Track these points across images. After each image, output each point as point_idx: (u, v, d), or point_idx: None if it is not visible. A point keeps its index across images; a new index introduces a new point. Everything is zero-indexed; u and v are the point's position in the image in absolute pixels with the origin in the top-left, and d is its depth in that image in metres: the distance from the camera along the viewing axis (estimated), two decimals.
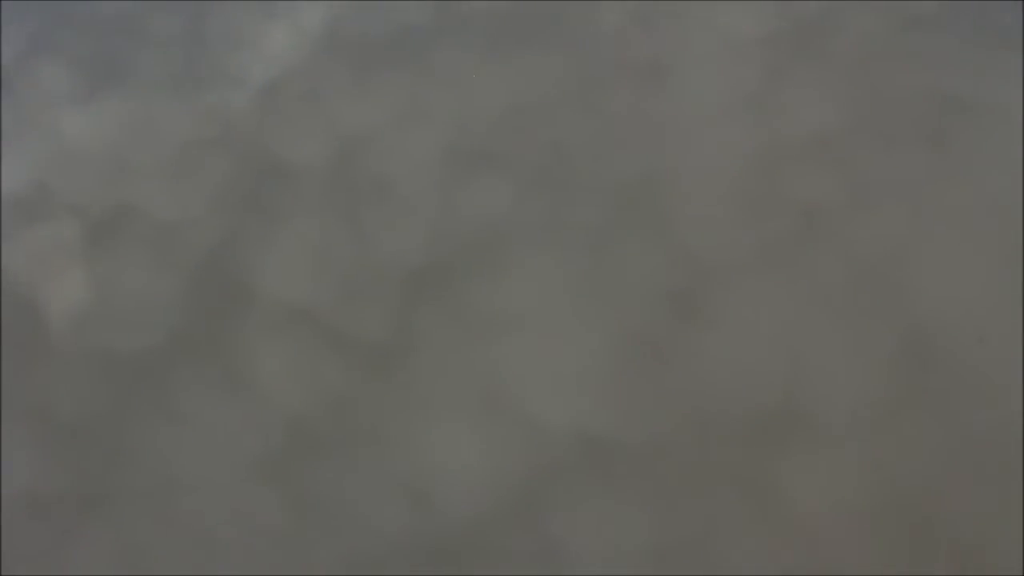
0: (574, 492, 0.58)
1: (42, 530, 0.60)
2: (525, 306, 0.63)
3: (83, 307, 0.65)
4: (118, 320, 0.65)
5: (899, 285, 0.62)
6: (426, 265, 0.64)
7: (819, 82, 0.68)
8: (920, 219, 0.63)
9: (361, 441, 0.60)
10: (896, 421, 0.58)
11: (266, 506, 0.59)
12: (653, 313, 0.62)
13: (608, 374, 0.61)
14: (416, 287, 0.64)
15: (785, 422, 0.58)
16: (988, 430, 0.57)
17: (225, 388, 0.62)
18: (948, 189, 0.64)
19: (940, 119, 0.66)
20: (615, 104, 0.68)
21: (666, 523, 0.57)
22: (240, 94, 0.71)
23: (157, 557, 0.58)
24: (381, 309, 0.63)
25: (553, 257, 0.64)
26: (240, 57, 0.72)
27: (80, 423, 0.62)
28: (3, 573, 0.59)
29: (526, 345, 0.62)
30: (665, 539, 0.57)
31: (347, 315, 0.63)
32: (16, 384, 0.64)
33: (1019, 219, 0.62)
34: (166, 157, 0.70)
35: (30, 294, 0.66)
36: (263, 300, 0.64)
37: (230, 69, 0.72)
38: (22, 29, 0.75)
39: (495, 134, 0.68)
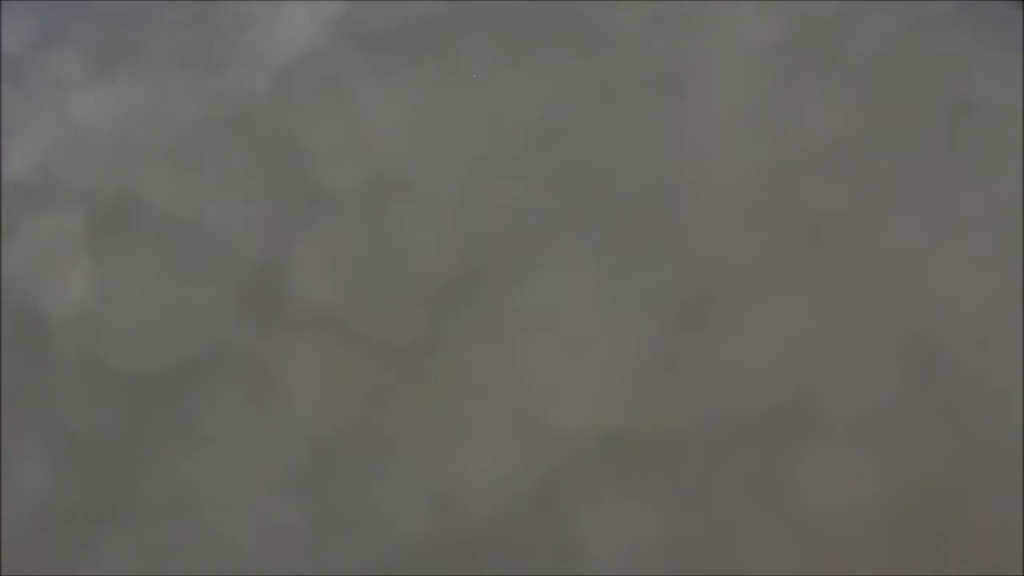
0: (595, 493, 0.59)
1: (58, 542, 0.59)
2: (548, 311, 0.63)
3: (95, 311, 0.65)
4: (132, 324, 0.65)
5: (912, 290, 0.62)
6: (448, 271, 0.65)
7: (835, 88, 0.68)
8: (934, 225, 0.64)
9: (385, 446, 0.60)
10: (907, 421, 0.59)
11: (290, 513, 0.59)
12: (672, 319, 0.63)
13: (628, 378, 0.61)
14: (439, 293, 0.64)
15: (798, 423, 0.59)
16: (1001, 432, 0.58)
17: (247, 394, 0.62)
18: (962, 195, 0.64)
19: (955, 124, 0.66)
20: (633, 109, 0.68)
21: (684, 522, 0.58)
22: (257, 85, 0.71)
23: (177, 569, 0.58)
24: (405, 314, 0.64)
25: (575, 263, 0.64)
26: (254, 45, 0.72)
27: (97, 433, 0.62)
28: None
29: (549, 350, 0.62)
30: (683, 538, 0.57)
31: (371, 320, 0.64)
32: (28, 392, 0.63)
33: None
34: (176, 146, 0.69)
35: (38, 292, 0.66)
36: (286, 303, 0.64)
37: (245, 59, 0.72)
38: (33, 21, 0.75)
39: (516, 138, 0.68)
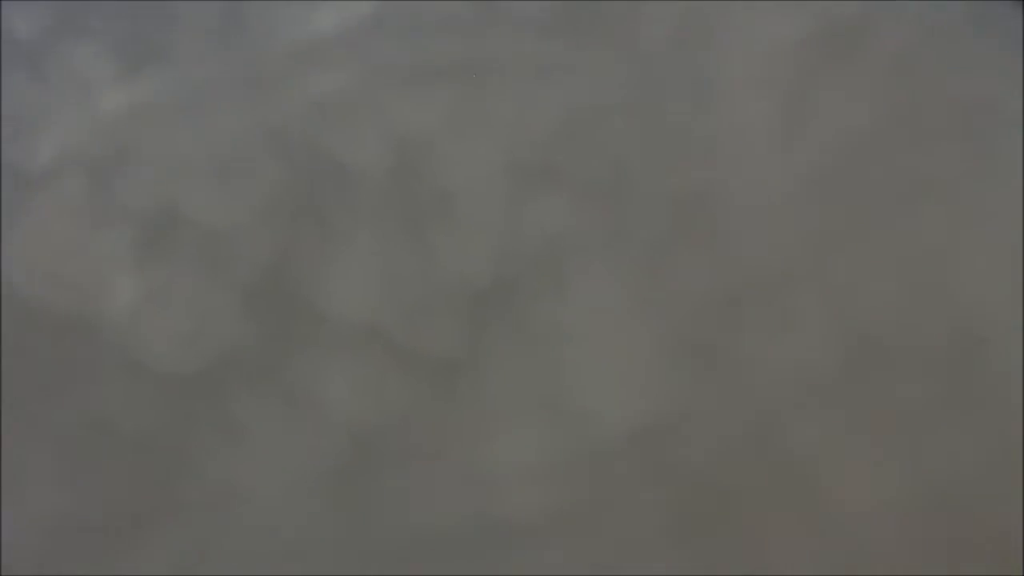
0: (636, 506, 0.60)
1: (95, 544, 0.60)
2: (587, 321, 0.64)
3: (135, 314, 0.65)
4: (173, 330, 0.64)
5: (942, 284, 0.63)
6: (487, 280, 0.65)
7: (862, 86, 0.69)
8: (962, 222, 0.65)
9: (423, 456, 0.61)
10: (944, 420, 0.60)
11: (327, 521, 0.60)
12: (711, 325, 0.63)
13: (669, 387, 0.62)
14: (477, 302, 0.64)
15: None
16: None
17: (285, 402, 0.62)
18: (988, 193, 0.65)
19: (972, 126, 0.67)
20: (663, 115, 0.69)
21: (718, 524, 0.59)
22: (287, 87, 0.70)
23: (214, 572, 0.59)
24: (443, 323, 0.64)
25: (614, 271, 0.65)
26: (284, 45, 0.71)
27: (137, 438, 0.62)
28: None
29: (589, 360, 0.63)
30: (713, 537, 0.59)
31: (409, 330, 0.64)
32: (66, 396, 0.63)
33: None
34: (207, 152, 0.68)
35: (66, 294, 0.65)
36: (324, 313, 0.64)
37: (274, 60, 0.71)
38: (49, 7, 0.73)
39: (551, 146, 0.68)
